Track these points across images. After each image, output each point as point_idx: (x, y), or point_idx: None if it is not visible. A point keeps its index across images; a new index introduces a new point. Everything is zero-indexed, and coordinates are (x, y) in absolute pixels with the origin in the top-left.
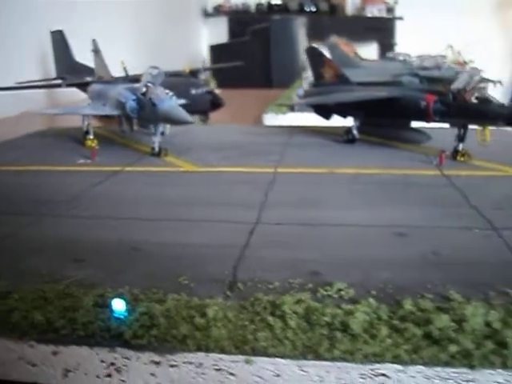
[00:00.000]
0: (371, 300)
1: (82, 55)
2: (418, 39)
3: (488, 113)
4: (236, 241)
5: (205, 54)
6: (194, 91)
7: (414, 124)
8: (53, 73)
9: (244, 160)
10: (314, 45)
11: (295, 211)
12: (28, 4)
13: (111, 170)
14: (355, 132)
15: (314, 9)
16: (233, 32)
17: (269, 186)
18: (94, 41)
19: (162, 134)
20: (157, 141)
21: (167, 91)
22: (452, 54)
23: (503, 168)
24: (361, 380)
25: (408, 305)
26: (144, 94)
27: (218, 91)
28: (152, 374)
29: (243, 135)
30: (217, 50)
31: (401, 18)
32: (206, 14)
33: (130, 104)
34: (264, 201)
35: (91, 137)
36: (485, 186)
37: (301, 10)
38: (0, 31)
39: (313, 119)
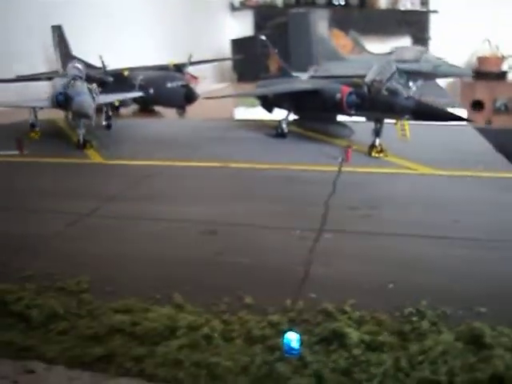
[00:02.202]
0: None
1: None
2: (454, 33)
3: (395, 105)
4: (40, 232)
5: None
6: (169, 85)
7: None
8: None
9: (155, 154)
10: (262, 37)
11: (137, 205)
12: None
13: (24, 161)
14: (284, 126)
15: (342, 2)
16: (258, 26)
17: (145, 179)
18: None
19: (109, 126)
20: (81, 133)
21: (93, 86)
22: (490, 48)
23: (412, 166)
24: None
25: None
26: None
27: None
28: None
29: (187, 130)
30: (237, 44)
31: (435, 11)
32: (233, 8)
33: (58, 97)
34: (121, 193)
35: (37, 129)
36: (368, 184)
37: (329, 4)
38: (13, 23)
39: (280, 112)
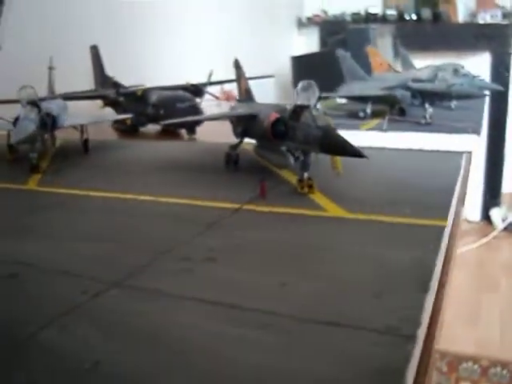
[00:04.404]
0: None
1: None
2: None
3: (308, 136)
4: None
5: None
6: (179, 105)
7: None
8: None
9: (88, 183)
10: (236, 57)
11: None
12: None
13: None
14: (233, 153)
15: (414, 17)
16: (324, 42)
17: (40, 210)
18: (50, 58)
19: (86, 150)
20: (32, 157)
21: (46, 112)
22: None
23: (328, 206)
24: None
25: None
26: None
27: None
28: None
29: (152, 154)
30: (298, 61)
31: None
32: (300, 24)
33: (14, 122)
34: None
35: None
36: (247, 229)
37: (400, 18)
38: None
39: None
